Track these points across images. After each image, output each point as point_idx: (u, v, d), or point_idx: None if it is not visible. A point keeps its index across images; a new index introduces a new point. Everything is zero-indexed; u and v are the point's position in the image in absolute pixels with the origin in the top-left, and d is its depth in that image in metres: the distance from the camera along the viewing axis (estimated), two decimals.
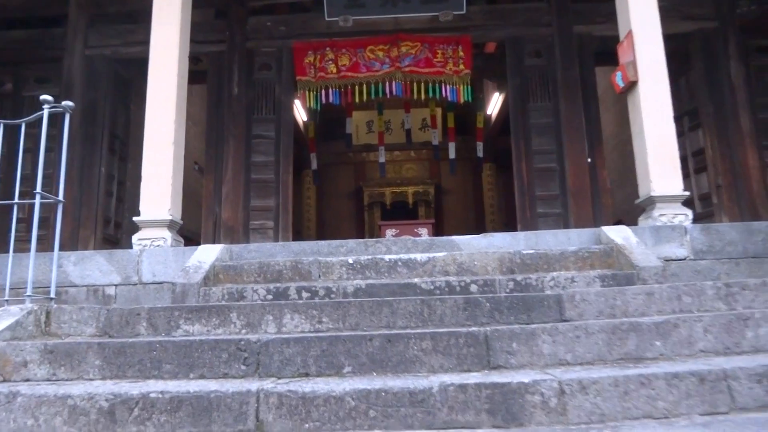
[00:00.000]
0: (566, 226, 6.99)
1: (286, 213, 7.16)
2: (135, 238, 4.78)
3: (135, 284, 4.49)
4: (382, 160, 10.57)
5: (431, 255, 4.20)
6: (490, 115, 12.02)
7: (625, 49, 5.11)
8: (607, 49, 8.46)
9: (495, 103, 11.71)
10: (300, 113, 11.90)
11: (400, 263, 4.17)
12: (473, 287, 3.80)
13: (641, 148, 4.94)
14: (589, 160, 7.08)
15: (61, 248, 7.14)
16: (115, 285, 4.50)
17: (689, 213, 4.71)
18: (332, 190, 14.56)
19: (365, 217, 14.26)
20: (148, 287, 4.48)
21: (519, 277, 3.85)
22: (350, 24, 7.53)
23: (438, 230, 13.66)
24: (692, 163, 7.35)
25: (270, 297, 3.79)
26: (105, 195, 7.35)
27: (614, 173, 9.28)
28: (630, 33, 5.01)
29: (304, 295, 3.79)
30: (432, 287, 3.81)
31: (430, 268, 4.16)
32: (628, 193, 10.29)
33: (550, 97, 7.36)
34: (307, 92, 7.45)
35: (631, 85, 5.02)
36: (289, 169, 7.27)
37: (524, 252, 4.17)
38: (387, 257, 4.20)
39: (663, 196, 4.72)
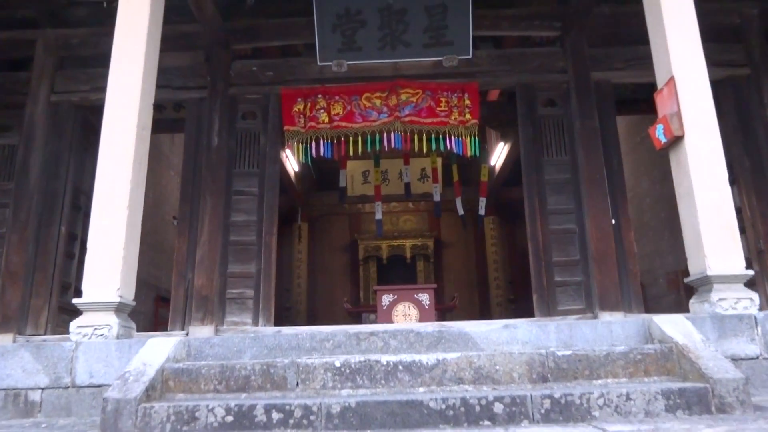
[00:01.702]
0: (588, 296, 6.12)
1: (268, 280, 6.26)
2: (73, 325, 3.87)
3: (67, 387, 3.57)
4: (378, 216, 9.75)
5: (440, 357, 3.30)
6: (494, 167, 11.28)
7: (665, 98, 4.34)
8: (625, 97, 7.83)
9: (499, 154, 10.99)
10: (291, 163, 11.15)
11: (401, 367, 3.26)
12: (497, 407, 2.88)
13: (690, 215, 4.11)
14: (613, 221, 6.25)
15: (7, 321, 6.27)
16: (42, 388, 3.57)
17: (755, 297, 3.84)
18: (325, 243, 13.70)
19: (360, 273, 13.36)
20: (83, 392, 3.55)
21: (557, 392, 2.93)
22: (344, 69, 6.81)
23: (439, 292, 12.77)
24: None
25: (230, 419, 2.87)
26: (64, 257, 6.45)
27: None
28: (672, 80, 4.25)
29: (275, 416, 2.86)
30: (443, 405, 2.89)
31: (440, 374, 3.25)
32: (647, 251, 9.48)
33: (567, 150, 6.59)
34: (295, 144, 6.66)
35: (675, 141, 4.23)
36: (273, 229, 6.41)
37: (559, 353, 3.28)
38: (384, 359, 3.29)
39: (722, 276, 3.87)
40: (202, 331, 5.96)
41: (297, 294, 12.31)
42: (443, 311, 11.76)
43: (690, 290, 8.13)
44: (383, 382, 3.23)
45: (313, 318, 12.62)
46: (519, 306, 12.29)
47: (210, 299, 6.11)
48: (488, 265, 12.63)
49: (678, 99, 4.20)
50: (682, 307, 8.47)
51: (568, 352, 3.28)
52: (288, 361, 3.29)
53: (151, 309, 9.58)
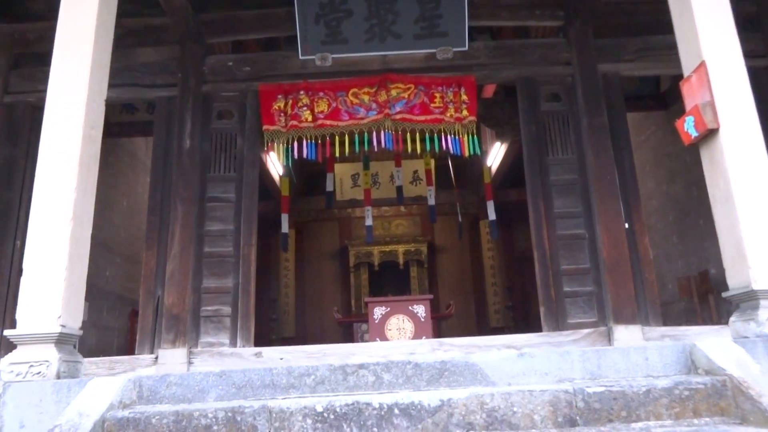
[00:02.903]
0: (601, 307, 5.56)
1: (247, 295, 5.65)
2: (5, 362, 3.24)
3: None
4: (369, 222, 9.13)
5: (445, 396, 2.70)
6: (490, 167, 10.72)
7: (694, 87, 3.78)
8: (629, 92, 7.30)
9: (496, 154, 10.44)
10: (276, 166, 10.53)
11: (397, 411, 2.67)
12: None
13: (729, 220, 3.55)
14: (626, 225, 5.70)
15: None
16: None
17: None
18: (314, 250, 13.07)
19: (351, 280, 12.73)
20: None
21: None
22: (329, 63, 6.23)
23: (434, 299, 12.18)
24: None
25: None
26: (19, 275, 5.78)
27: None
28: (703, 65, 3.69)
29: None
30: None
31: (445, 418, 2.66)
32: (654, 255, 8.93)
33: (573, 148, 6.04)
34: (276, 145, 6.06)
35: (709, 135, 3.67)
36: (252, 240, 5.79)
37: (589, 390, 2.69)
38: (376, 400, 2.70)
39: None
40: (173, 354, 5.35)
41: (284, 304, 11.69)
42: (439, 320, 11.19)
43: (704, 295, 7.64)
44: (375, 430, 2.63)
45: (301, 328, 12.00)
46: (518, 313, 11.74)
47: (182, 318, 5.48)
48: (485, 271, 12.07)
49: (711, 87, 3.64)
50: (695, 315, 7.97)
51: (600, 389, 2.70)
52: (258, 405, 2.69)
53: (126, 325, 8.93)
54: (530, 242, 5.89)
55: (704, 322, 7.54)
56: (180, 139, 5.98)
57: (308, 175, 12.69)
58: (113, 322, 8.67)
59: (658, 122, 8.74)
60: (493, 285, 11.72)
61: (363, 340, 9.15)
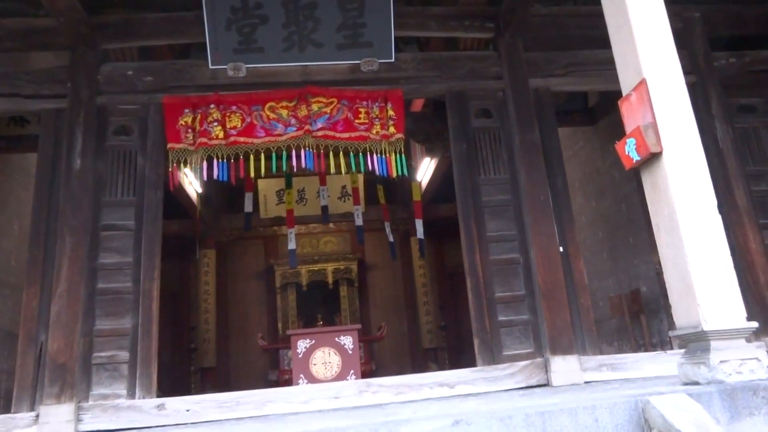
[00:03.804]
0: (537, 337, 5.26)
1: (148, 337, 4.95)
2: None
3: None
4: (291, 245, 8.52)
5: None
6: (419, 183, 10.38)
7: (634, 106, 3.51)
8: (557, 108, 7.12)
9: (425, 171, 10.11)
10: (194, 183, 9.74)
11: None
12: None
13: (674, 252, 3.27)
14: (561, 248, 5.43)
15: None
16: None
17: (763, 357, 3.02)
18: (238, 270, 12.28)
19: (278, 302, 12.03)
20: None
21: None
22: (243, 74, 5.65)
23: (364, 320, 11.72)
24: None
25: None
26: None
27: None
28: (643, 83, 3.42)
29: None
30: None
31: None
32: (586, 272, 8.86)
33: (506, 167, 5.74)
34: (181, 164, 5.40)
35: (651, 158, 3.39)
36: (155, 273, 5.11)
37: None
38: None
39: (721, 331, 3.03)
40: (58, 412, 4.58)
41: (204, 331, 10.84)
42: (370, 342, 10.71)
43: (635, 314, 7.55)
44: None
45: (223, 357, 11.18)
46: (450, 333, 11.44)
47: (69, 367, 4.72)
48: (416, 289, 11.69)
49: (652, 106, 3.37)
50: (626, 333, 7.87)
51: None
52: None
53: None
54: (461, 258, 5.53)
55: (636, 342, 7.45)
56: (69, 158, 5.23)
57: (230, 191, 11.92)
58: (2, 363, 7.62)
59: (587, 137, 8.68)
60: (425, 304, 11.36)
61: (289, 367, 8.53)
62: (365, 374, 8.20)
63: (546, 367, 5.07)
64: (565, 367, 5.02)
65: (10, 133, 7.27)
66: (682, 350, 5.33)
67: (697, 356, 3.11)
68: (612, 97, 7.51)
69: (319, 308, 11.59)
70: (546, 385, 5.03)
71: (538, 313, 5.27)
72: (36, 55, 5.57)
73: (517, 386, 4.99)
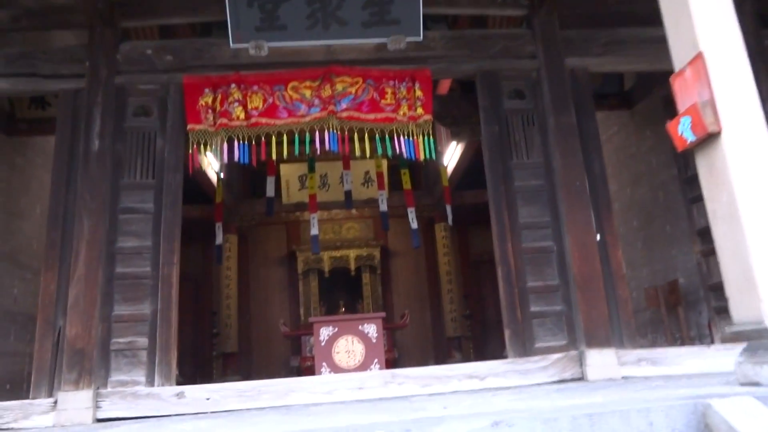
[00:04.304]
0: (572, 329, 4.99)
1: (167, 324, 4.81)
2: None
3: None
4: (314, 231, 8.34)
5: None
6: (445, 168, 10.12)
7: (689, 82, 3.20)
8: (597, 89, 6.80)
9: (451, 155, 9.84)
10: (212, 165, 9.61)
11: None
12: None
13: (733, 241, 2.98)
14: (597, 236, 5.15)
15: None
16: None
17: None
18: (259, 256, 12.20)
19: (300, 288, 11.92)
20: None
21: None
22: (265, 53, 5.44)
23: (387, 308, 11.54)
24: None
25: None
26: None
27: None
28: (699, 56, 3.11)
29: None
30: None
31: None
32: None
33: (540, 151, 5.45)
34: (201, 146, 5.23)
35: (708, 139, 3.09)
36: (174, 258, 4.95)
37: None
38: None
39: None
40: (76, 398, 4.47)
41: (226, 317, 10.77)
42: (393, 330, 10.54)
43: (672, 306, 7.23)
44: None
45: (245, 343, 11.13)
46: (475, 322, 11.21)
47: (87, 353, 4.61)
48: (440, 277, 11.45)
49: (710, 82, 3.06)
50: (660, 325, 7.56)
51: None
52: None
53: None
54: (487, 246, 5.30)
55: (672, 335, 7.14)
56: (87, 139, 5.09)
57: (252, 176, 11.81)
58: (24, 347, 7.60)
59: (622, 122, 8.31)
60: (449, 292, 11.12)
61: (311, 354, 8.40)
62: (388, 362, 8.03)
63: (581, 361, 4.82)
64: (601, 360, 4.76)
65: (31, 115, 7.18)
66: (726, 345, 5.08)
67: (758, 355, 2.83)
68: (652, 78, 7.20)
69: (342, 295, 11.46)
70: (581, 379, 4.78)
71: (572, 305, 5.01)
72: (54, 34, 5.45)
73: (549, 380, 4.75)
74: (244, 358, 10.95)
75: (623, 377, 4.72)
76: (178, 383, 4.75)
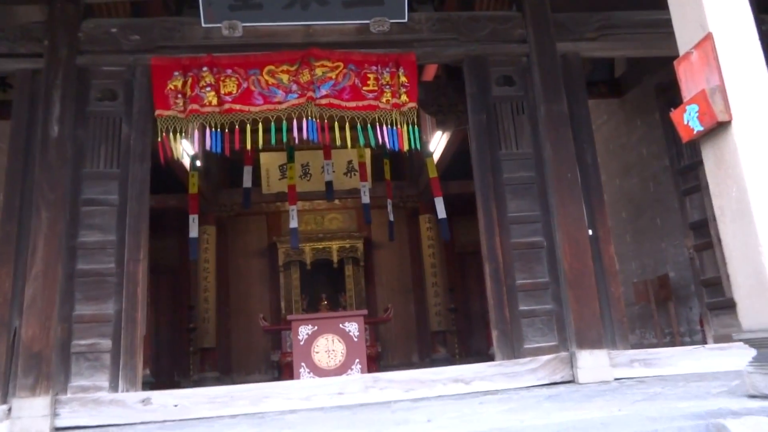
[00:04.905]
0: (562, 329, 4.77)
1: (132, 325, 4.47)
2: None
3: None
4: (293, 224, 7.99)
5: None
6: (432, 158, 9.82)
7: (696, 67, 2.95)
8: (587, 77, 6.53)
9: (436, 145, 9.55)
10: (184, 153, 9.19)
11: None
12: None
13: (744, 241, 2.74)
14: (589, 231, 4.91)
15: None
16: None
17: None
18: (239, 247, 11.84)
19: (281, 281, 11.60)
20: None
21: None
22: (239, 34, 5.09)
23: (370, 301, 11.29)
24: None
25: None
26: None
27: None
28: (708, 38, 2.85)
29: None
30: None
31: None
32: None
33: (530, 141, 5.19)
34: (171, 134, 4.87)
35: (716, 129, 2.84)
36: (140, 253, 4.61)
37: None
38: None
39: None
40: (32, 405, 4.14)
41: (204, 311, 10.41)
42: (376, 325, 10.29)
43: (662, 301, 7.04)
44: None
45: (224, 337, 10.79)
46: (460, 314, 10.99)
47: (45, 356, 4.27)
48: (425, 270, 11.20)
49: (719, 67, 2.81)
50: (649, 320, 7.39)
51: None
52: None
53: None
54: (472, 237, 5.04)
55: (662, 330, 6.97)
56: (46, 124, 4.71)
57: (231, 164, 11.40)
58: None
59: (611, 110, 8.09)
60: (434, 285, 10.88)
61: (292, 350, 8.12)
62: (370, 358, 7.78)
63: (571, 362, 4.60)
64: (592, 362, 4.54)
65: None
66: (720, 345, 4.89)
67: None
68: (644, 65, 6.96)
69: (324, 288, 11.18)
70: (571, 381, 4.55)
71: (563, 303, 4.78)
72: (10, 9, 5.03)
73: (539, 383, 4.52)
74: (222, 353, 10.62)
75: (615, 379, 4.51)
76: (150, 382, 4.43)
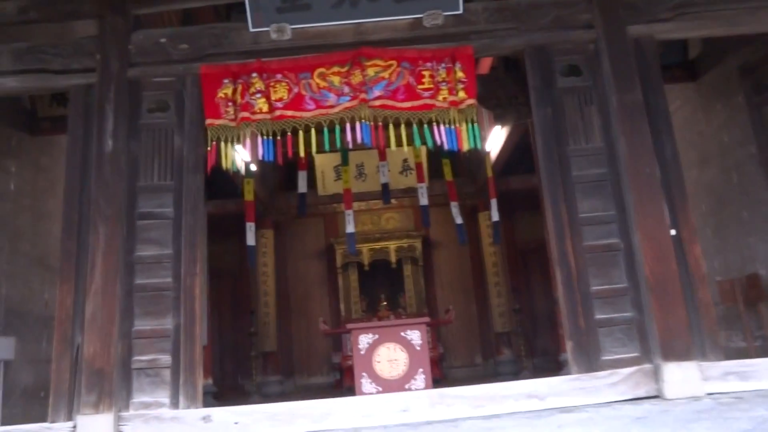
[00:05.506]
0: (644, 338, 4.37)
1: (191, 340, 4.40)
2: None
3: None
4: (350, 228, 7.82)
5: None
6: (488, 153, 9.44)
7: None
8: (664, 59, 6.03)
9: (496, 140, 9.15)
10: (236, 159, 9.18)
11: None
12: None
13: None
14: (672, 231, 4.47)
15: None
16: None
17: None
18: (297, 249, 11.82)
19: (339, 282, 11.51)
20: None
21: None
22: (288, 36, 4.92)
23: (430, 302, 11.03)
24: None
25: None
26: None
27: None
28: None
29: None
30: None
31: None
32: None
33: (600, 134, 4.79)
34: (222, 144, 4.76)
35: None
36: (197, 267, 4.53)
37: None
38: None
39: None
40: (96, 422, 4.13)
41: (264, 314, 10.44)
42: (438, 327, 10.03)
43: (752, 302, 6.41)
44: None
45: (285, 341, 10.80)
46: (525, 315, 10.54)
47: (107, 373, 4.25)
48: (486, 269, 10.83)
49: None
50: (738, 324, 6.74)
51: None
52: None
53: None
54: (534, 233, 4.70)
55: (751, 334, 6.37)
56: (100, 139, 4.70)
57: (288, 167, 11.35)
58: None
59: (686, 95, 7.46)
60: (496, 285, 10.50)
61: (351, 353, 7.98)
62: (432, 361, 7.49)
63: (656, 376, 4.20)
64: (681, 375, 4.12)
65: (53, 113, 6.88)
66: None
67: None
68: (723, 45, 6.35)
69: (382, 288, 11.04)
70: (657, 397, 4.16)
71: (644, 311, 4.37)
72: (63, 26, 5.06)
73: (620, 398, 4.15)
74: (284, 356, 10.64)
75: (707, 394, 4.08)
76: (212, 392, 4.34)
